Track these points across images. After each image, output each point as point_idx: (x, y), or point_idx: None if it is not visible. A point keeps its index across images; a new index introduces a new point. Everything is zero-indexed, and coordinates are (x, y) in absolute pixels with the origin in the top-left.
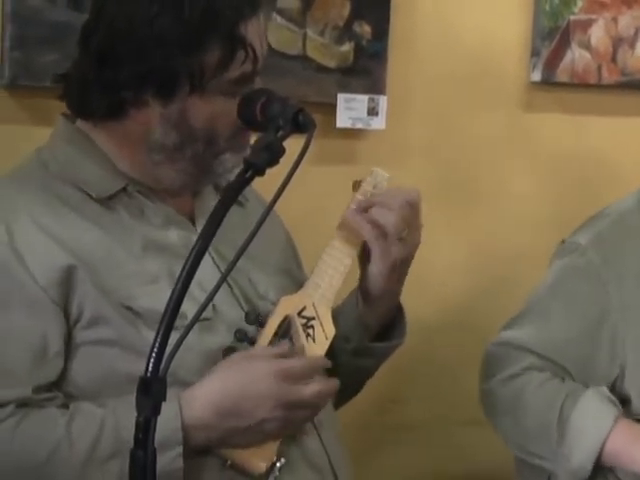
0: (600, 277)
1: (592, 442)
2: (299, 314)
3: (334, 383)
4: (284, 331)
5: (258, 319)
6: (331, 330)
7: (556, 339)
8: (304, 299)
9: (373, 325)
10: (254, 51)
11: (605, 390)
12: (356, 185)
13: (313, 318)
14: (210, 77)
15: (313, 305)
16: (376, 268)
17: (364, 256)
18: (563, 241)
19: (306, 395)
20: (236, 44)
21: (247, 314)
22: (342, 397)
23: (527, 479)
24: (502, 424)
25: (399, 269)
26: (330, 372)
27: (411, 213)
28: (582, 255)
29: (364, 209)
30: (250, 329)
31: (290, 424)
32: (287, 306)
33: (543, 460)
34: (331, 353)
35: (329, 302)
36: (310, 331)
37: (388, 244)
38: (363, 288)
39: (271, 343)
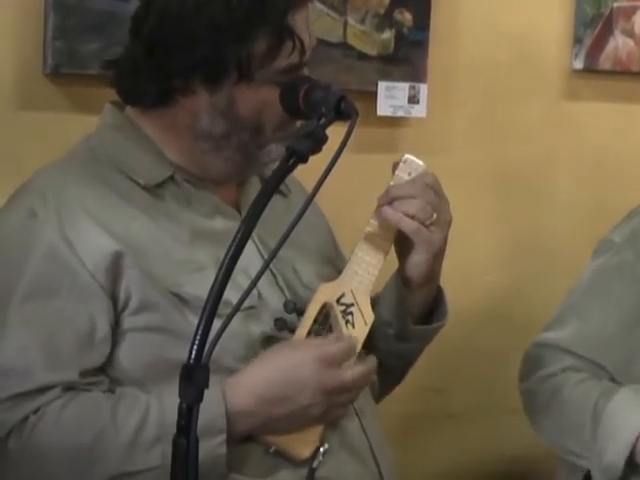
0: (634, 275)
1: (624, 439)
2: (338, 301)
3: (373, 361)
4: (323, 318)
5: (296, 307)
6: (370, 316)
7: (594, 339)
8: (342, 286)
9: (416, 309)
10: (302, 42)
11: None
12: (395, 167)
13: (352, 304)
14: (257, 66)
15: (351, 291)
16: (420, 257)
17: (402, 246)
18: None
19: (347, 379)
20: (284, 34)
21: (285, 303)
22: (385, 385)
23: (564, 475)
24: (539, 422)
25: (441, 254)
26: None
27: (434, 194)
28: (616, 253)
29: (389, 202)
30: (289, 318)
31: (332, 409)
32: (325, 293)
33: (578, 457)
34: (372, 339)
35: (367, 289)
36: (349, 317)
37: (430, 232)
38: (405, 276)
39: (310, 330)
